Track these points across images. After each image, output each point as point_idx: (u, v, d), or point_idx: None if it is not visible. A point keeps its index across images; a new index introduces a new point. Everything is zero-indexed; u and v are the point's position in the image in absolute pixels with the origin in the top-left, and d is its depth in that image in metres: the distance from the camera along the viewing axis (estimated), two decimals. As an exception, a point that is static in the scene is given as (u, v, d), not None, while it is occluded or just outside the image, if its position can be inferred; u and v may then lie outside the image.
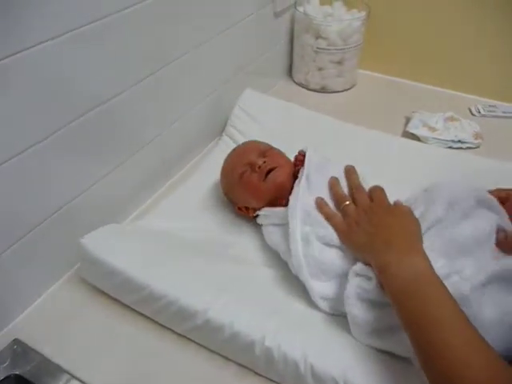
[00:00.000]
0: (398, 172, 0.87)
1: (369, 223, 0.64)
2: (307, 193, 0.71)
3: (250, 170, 0.76)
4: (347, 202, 0.69)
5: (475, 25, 1.11)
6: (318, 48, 1.16)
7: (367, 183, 0.75)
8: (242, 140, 0.96)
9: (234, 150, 0.84)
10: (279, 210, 0.72)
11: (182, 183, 0.89)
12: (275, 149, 0.82)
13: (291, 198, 0.70)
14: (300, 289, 0.66)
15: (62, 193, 0.68)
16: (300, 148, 0.81)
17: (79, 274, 0.72)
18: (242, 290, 0.65)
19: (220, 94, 0.99)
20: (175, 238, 0.76)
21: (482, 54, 1.13)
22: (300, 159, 0.77)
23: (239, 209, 0.80)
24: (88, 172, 0.72)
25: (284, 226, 0.70)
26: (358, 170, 0.77)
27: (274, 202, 0.75)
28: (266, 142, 0.84)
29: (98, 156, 0.73)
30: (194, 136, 0.97)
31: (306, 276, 0.64)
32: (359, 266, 0.61)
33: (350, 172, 0.75)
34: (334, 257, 0.65)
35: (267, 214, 0.74)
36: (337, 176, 0.74)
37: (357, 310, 0.58)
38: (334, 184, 0.73)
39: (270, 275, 0.70)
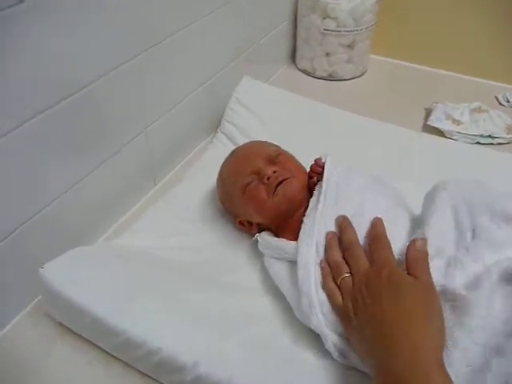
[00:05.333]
0: (418, 173, 0.80)
1: (364, 314, 0.48)
2: (329, 220, 0.59)
3: (256, 181, 0.66)
4: (345, 275, 0.53)
5: (502, 4, 1.04)
6: (325, 29, 1.09)
7: None
8: (239, 137, 0.90)
9: (236, 152, 0.73)
10: (287, 244, 0.61)
11: (170, 190, 0.81)
12: (286, 153, 0.72)
13: (303, 232, 0.59)
14: (312, 334, 0.55)
15: (21, 206, 0.59)
16: (304, 144, 0.74)
17: (42, 308, 0.62)
18: (241, 334, 0.54)
19: (214, 83, 0.93)
20: (159, 261, 0.66)
21: (510, 37, 1.06)
22: (317, 171, 0.66)
23: (240, 223, 0.70)
24: (54, 178, 0.63)
25: (291, 262, 0.59)
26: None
27: (282, 218, 0.65)
28: (267, 139, 0.75)
29: (68, 157, 0.64)
30: (185, 132, 0.89)
31: (320, 324, 0.53)
32: None
33: (342, 225, 0.59)
34: None
35: (270, 246, 0.63)
36: (363, 192, 0.62)
37: None
38: (330, 245, 0.57)
39: (275, 310, 0.60)
